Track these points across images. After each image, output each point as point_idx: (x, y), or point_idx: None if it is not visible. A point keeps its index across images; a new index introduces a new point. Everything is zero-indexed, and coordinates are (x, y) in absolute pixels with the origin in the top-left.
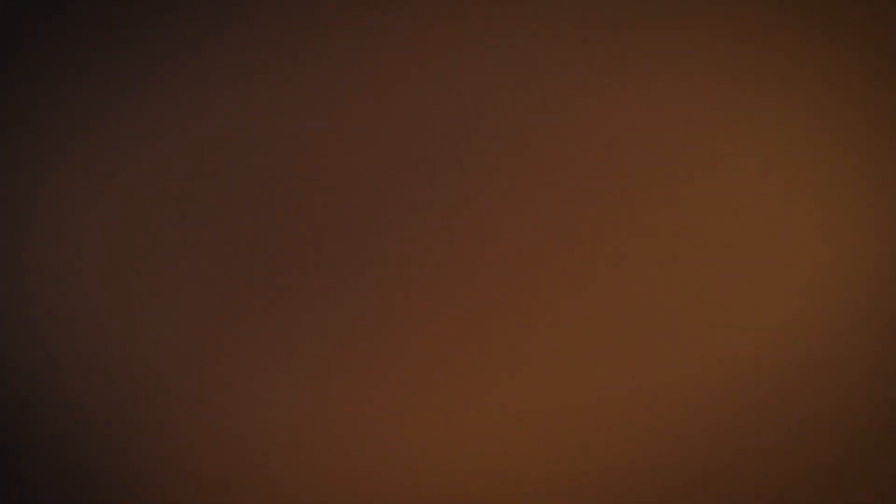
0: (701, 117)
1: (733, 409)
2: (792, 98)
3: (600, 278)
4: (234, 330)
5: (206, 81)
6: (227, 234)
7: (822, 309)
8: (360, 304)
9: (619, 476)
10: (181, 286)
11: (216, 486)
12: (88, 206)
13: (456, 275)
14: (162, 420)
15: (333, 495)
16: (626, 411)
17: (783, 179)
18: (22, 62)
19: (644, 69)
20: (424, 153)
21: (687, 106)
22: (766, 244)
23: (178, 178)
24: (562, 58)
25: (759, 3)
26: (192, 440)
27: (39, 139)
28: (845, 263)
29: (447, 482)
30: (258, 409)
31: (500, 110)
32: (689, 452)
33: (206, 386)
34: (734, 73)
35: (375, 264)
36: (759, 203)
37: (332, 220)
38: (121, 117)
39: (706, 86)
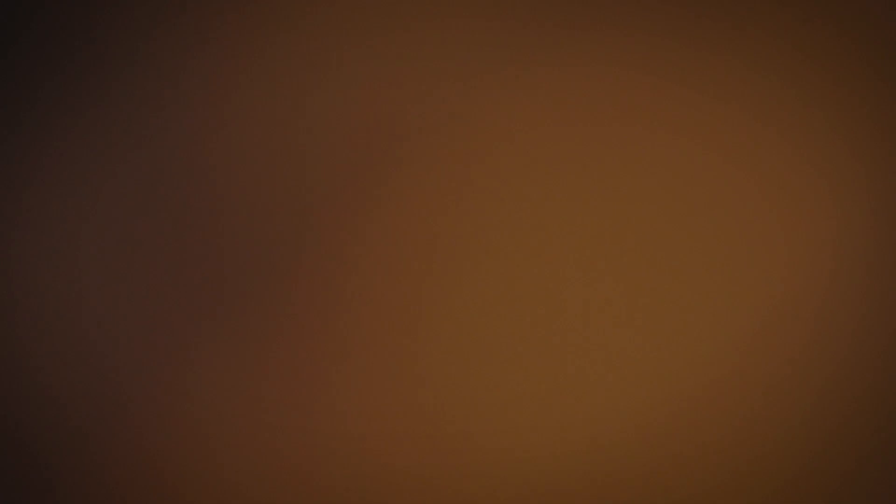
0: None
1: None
2: (797, 92)
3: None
4: (193, 328)
5: (188, 87)
6: (195, 240)
7: (811, 306)
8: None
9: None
10: (157, 288)
11: (177, 477)
12: (72, 211)
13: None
14: (136, 411)
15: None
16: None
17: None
18: (10, 64)
19: (638, 58)
20: (365, 158)
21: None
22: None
23: (153, 188)
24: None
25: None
26: (166, 432)
27: (29, 143)
28: (837, 254)
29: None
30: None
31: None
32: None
33: (171, 375)
34: (732, 66)
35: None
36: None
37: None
38: (107, 123)
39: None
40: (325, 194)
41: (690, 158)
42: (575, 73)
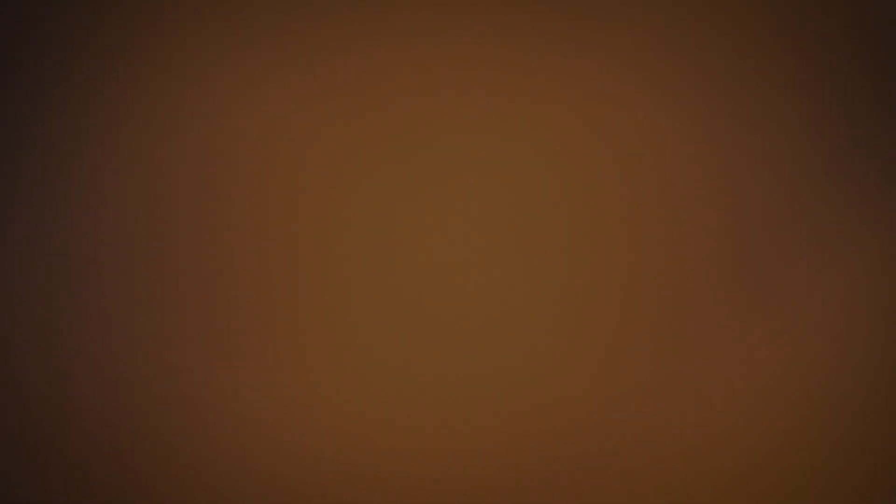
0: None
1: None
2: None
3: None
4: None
5: (173, 86)
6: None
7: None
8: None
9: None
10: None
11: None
12: (65, 209)
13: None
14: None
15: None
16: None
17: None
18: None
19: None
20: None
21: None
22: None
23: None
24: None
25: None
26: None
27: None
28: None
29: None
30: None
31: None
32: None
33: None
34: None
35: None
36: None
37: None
38: (98, 119)
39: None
40: (309, 192)
41: (689, 158)
42: (564, 72)
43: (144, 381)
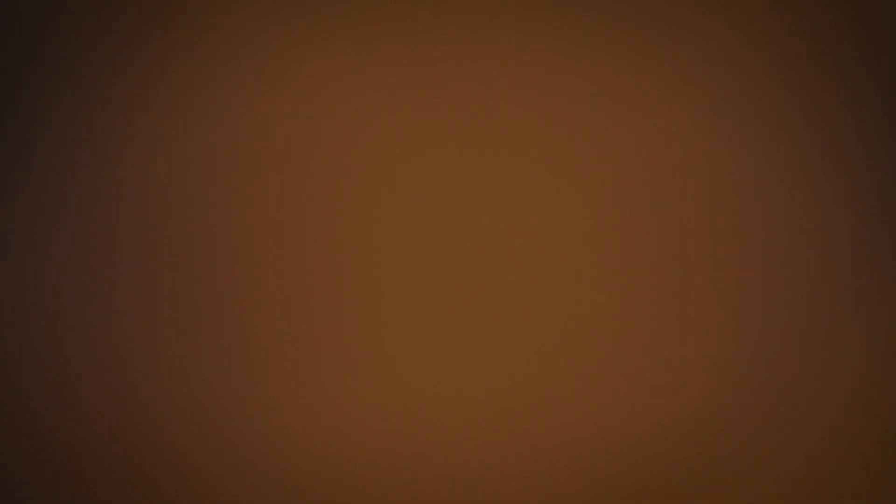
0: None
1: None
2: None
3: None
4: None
5: (176, 88)
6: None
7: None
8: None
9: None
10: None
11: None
12: (67, 208)
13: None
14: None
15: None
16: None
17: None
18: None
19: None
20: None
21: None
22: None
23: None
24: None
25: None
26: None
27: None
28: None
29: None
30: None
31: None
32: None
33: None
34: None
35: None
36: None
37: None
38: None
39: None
40: (312, 196)
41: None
42: (563, 68)
43: (161, 385)
